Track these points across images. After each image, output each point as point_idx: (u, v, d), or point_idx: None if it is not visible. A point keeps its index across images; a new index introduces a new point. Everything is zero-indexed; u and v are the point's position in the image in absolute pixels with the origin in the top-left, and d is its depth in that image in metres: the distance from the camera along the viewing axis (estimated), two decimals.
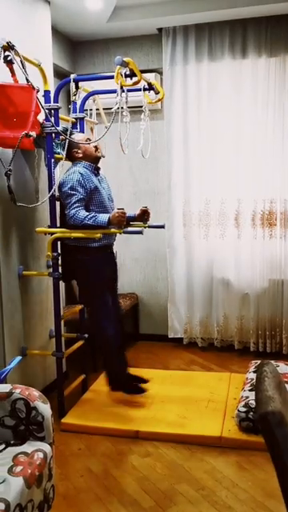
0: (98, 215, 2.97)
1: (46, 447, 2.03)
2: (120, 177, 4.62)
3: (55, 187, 3.07)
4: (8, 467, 1.85)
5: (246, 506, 2.32)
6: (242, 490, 2.44)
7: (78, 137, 3.18)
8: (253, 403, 2.86)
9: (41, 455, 1.97)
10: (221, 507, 2.32)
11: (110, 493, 2.45)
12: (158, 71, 4.45)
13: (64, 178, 3.07)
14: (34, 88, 2.65)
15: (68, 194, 3.00)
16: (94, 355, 4.02)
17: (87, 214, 2.97)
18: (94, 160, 3.18)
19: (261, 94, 4.17)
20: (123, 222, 2.96)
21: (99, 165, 3.25)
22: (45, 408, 2.08)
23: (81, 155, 3.15)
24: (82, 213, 2.97)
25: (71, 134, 3.23)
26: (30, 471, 1.86)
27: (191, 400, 3.34)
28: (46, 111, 2.86)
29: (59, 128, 3.04)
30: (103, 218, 2.95)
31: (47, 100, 3.05)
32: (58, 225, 3.17)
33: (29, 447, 2.00)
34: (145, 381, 3.37)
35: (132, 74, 2.98)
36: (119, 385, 3.31)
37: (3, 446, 2.02)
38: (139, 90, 3.35)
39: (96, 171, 3.21)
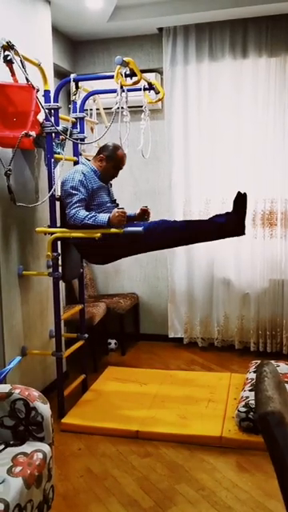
0: (97, 215, 2.97)
1: (46, 447, 2.03)
2: (120, 176, 4.54)
3: (55, 187, 3.06)
4: (7, 467, 1.85)
5: (246, 506, 2.32)
6: (242, 491, 2.43)
7: (119, 151, 3.13)
8: (253, 403, 2.86)
9: (40, 456, 1.96)
10: (221, 507, 2.31)
11: (109, 493, 2.45)
12: (159, 71, 4.45)
13: (67, 176, 3.07)
14: (33, 87, 2.65)
15: (69, 194, 3.00)
16: (94, 355, 4.02)
17: (87, 213, 2.97)
18: (104, 177, 3.18)
19: (261, 94, 4.17)
20: (123, 221, 2.95)
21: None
22: (44, 408, 2.08)
23: (100, 164, 3.15)
24: (82, 212, 2.97)
25: (71, 134, 3.23)
26: (29, 471, 1.86)
27: (191, 400, 3.34)
28: (46, 111, 2.86)
29: (59, 128, 3.04)
30: (103, 217, 2.95)
31: (47, 100, 3.04)
32: (58, 225, 3.17)
33: (28, 447, 2.00)
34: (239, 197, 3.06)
35: (132, 74, 2.98)
36: (234, 223, 3.04)
37: (2, 446, 2.01)
38: (139, 89, 3.35)
39: (100, 178, 3.18)
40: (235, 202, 3.05)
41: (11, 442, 2.04)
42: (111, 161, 3.14)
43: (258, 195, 4.25)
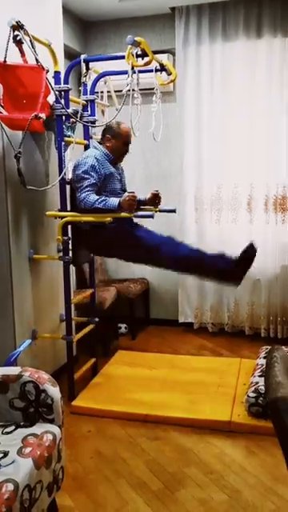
0: (108, 199, 2.94)
1: (56, 429, 2.04)
2: (131, 160, 4.51)
3: (65, 170, 3.04)
4: (17, 448, 1.87)
5: (255, 490, 2.32)
6: (250, 475, 2.44)
7: (122, 125, 3.14)
8: (262, 389, 2.85)
9: (50, 437, 1.98)
10: (229, 491, 2.32)
11: (118, 475, 2.47)
12: (171, 52, 4.37)
13: (79, 160, 3.05)
14: (43, 68, 2.61)
15: (81, 178, 2.98)
16: (104, 339, 4.04)
17: (97, 197, 2.95)
18: (116, 156, 3.17)
19: (275, 75, 4.09)
20: (134, 205, 2.92)
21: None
22: (54, 391, 2.09)
23: (108, 144, 3.14)
24: (93, 196, 2.95)
25: (82, 116, 3.20)
26: (39, 452, 1.87)
27: (201, 385, 3.34)
28: (56, 93, 2.83)
29: (69, 110, 3.00)
30: (113, 201, 2.93)
31: (57, 81, 3.01)
32: (69, 208, 3.15)
33: (38, 429, 2.02)
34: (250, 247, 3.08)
35: (144, 55, 2.92)
36: (237, 271, 3.06)
37: (13, 427, 2.03)
38: (151, 71, 3.30)
39: (113, 162, 3.18)
40: (245, 252, 3.02)
41: (21, 424, 2.06)
42: (118, 138, 3.13)
43: (270, 180, 4.19)
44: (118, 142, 3.13)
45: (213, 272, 3.13)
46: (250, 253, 3.03)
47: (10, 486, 1.66)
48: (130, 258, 3.29)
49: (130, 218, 3.07)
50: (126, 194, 2.93)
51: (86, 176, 2.98)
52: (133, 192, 2.94)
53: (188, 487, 2.36)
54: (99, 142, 3.22)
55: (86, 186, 2.96)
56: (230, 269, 3.04)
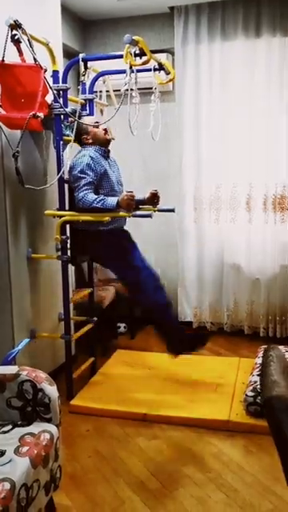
0: (106, 198, 2.94)
1: (53, 428, 2.05)
2: (130, 159, 4.57)
3: (64, 169, 3.04)
4: (14, 447, 1.87)
5: (253, 489, 2.32)
6: (248, 474, 2.44)
7: (85, 121, 3.16)
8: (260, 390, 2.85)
9: (47, 436, 1.98)
10: (227, 490, 2.32)
11: (116, 474, 2.47)
12: (170, 51, 4.37)
13: (74, 161, 3.05)
14: (41, 68, 2.61)
15: (77, 177, 2.99)
16: (103, 339, 4.04)
17: (96, 196, 2.95)
18: (103, 143, 3.16)
19: (275, 75, 4.08)
20: (132, 205, 2.93)
21: (109, 148, 3.21)
22: (51, 390, 2.09)
23: (90, 140, 3.15)
24: (91, 196, 2.95)
25: (80, 116, 3.20)
26: (36, 451, 1.87)
27: (199, 384, 3.34)
28: (55, 92, 2.83)
29: (68, 109, 3.00)
30: (112, 201, 2.92)
31: (56, 80, 3.00)
32: (67, 208, 3.15)
33: (35, 428, 2.02)
34: (204, 335, 3.33)
35: (142, 54, 2.92)
36: (182, 345, 3.18)
37: (10, 426, 2.03)
38: (150, 70, 3.30)
39: (106, 154, 3.18)
40: (196, 336, 3.26)
41: (19, 423, 2.06)
42: (89, 128, 3.13)
43: (269, 179, 4.19)
44: (92, 133, 3.13)
45: (165, 329, 3.25)
46: (198, 341, 3.29)
47: (7, 485, 1.66)
48: (111, 265, 3.32)
49: (120, 226, 3.17)
50: (125, 193, 2.92)
51: (82, 175, 2.98)
52: (131, 191, 2.94)
53: (186, 486, 2.36)
54: (82, 147, 3.19)
55: (84, 185, 2.96)
56: (183, 342, 3.25)
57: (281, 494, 2.27)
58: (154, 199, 3.29)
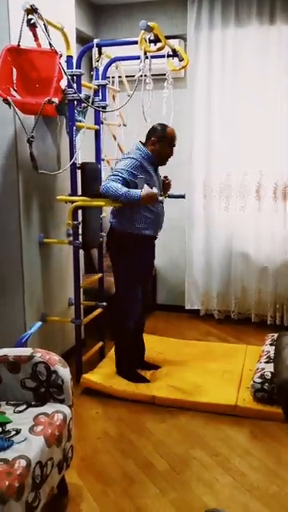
0: (131, 190, 2.88)
1: (66, 409, 2.10)
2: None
3: (76, 155, 3.05)
4: (29, 426, 1.92)
5: (259, 473, 2.37)
6: (255, 458, 2.49)
7: (168, 128, 3.10)
8: (268, 375, 2.89)
9: (60, 416, 2.03)
10: (234, 473, 2.37)
11: (126, 455, 2.53)
12: (183, 37, 4.34)
13: (127, 155, 3.04)
14: (56, 53, 2.61)
15: (118, 170, 2.95)
16: (112, 323, 4.07)
17: (122, 187, 2.89)
18: (161, 159, 3.13)
19: (287, 64, 4.04)
20: (152, 201, 2.92)
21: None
22: (64, 372, 2.14)
23: (153, 147, 3.07)
24: (119, 185, 2.89)
25: (93, 101, 3.20)
26: (50, 431, 1.92)
27: (207, 370, 3.38)
28: (69, 77, 2.83)
29: (81, 95, 3.00)
30: (136, 193, 2.86)
31: (70, 66, 3.00)
32: (79, 193, 3.17)
33: (49, 408, 2.07)
34: (157, 367, 3.38)
35: (156, 40, 2.91)
36: (124, 373, 3.24)
37: (24, 406, 2.08)
38: (163, 56, 3.29)
39: (155, 166, 3.15)
40: (147, 367, 3.35)
41: (33, 403, 2.11)
42: (164, 140, 3.07)
43: (279, 168, 4.18)
44: (162, 145, 3.07)
45: (121, 354, 3.30)
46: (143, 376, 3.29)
47: (23, 462, 1.71)
48: (120, 275, 3.25)
49: (157, 232, 3.21)
50: (148, 188, 2.87)
51: (122, 171, 2.94)
52: (166, 176, 3.04)
53: (194, 468, 2.42)
54: (142, 144, 3.11)
55: (118, 178, 2.92)
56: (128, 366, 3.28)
57: (287, 477, 2.31)
58: (164, 185, 3.30)
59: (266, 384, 2.87)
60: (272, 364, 2.94)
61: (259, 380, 2.91)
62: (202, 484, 2.30)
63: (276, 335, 3.25)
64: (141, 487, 2.27)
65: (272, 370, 2.85)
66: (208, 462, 2.47)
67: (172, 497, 2.20)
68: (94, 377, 3.21)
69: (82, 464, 2.45)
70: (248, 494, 2.22)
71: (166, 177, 3.29)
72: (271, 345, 3.38)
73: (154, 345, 3.84)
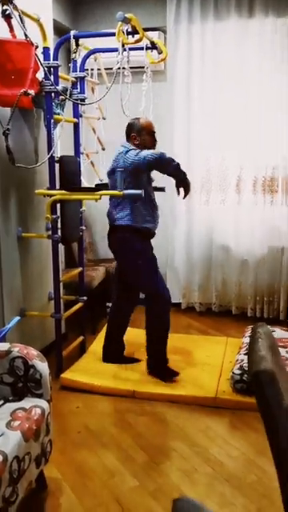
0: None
1: (44, 403, 2.08)
2: (121, 139, 4.53)
3: (54, 148, 3.02)
4: (6, 421, 1.90)
5: (237, 462, 2.40)
6: (233, 448, 2.52)
7: (141, 119, 3.14)
8: (247, 365, 2.92)
9: (38, 411, 2.02)
10: (213, 463, 2.39)
11: (106, 448, 2.53)
12: (162, 30, 4.32)
13: (124, 152, 3.04)
14: (32, 44, 2.57)
15: (137, 158, 2.98)
16: (92, 318, 4.07)
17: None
18: (150, 148, 3.14)
19: (267, 57, 4.07)
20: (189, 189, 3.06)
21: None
22: (43, 366, 2.13)
23: (136, 142, 3.12)
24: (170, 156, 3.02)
25: (71, 94, 3.17)
26: (27, 425, 1.91)
27: (188, 362, 3.40)
28: (45, 69, 2.80)
29: (59, 87, 2.97)
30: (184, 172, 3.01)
31: (46, 57, 2.97)
32: (58, 187, 3.15)
33: (27, 403, 2.05)
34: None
35: (134, 32, 2.89)
36: (160, 372, 3.19)
37: (2, 401, 2.07)
38: (141, 48, 3.27)
39: None
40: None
41: (10, 398, 2.09)
42: (143, 132, 3.12)
43: (259, 161, 4.21)
44: (143, 137, 3.12)
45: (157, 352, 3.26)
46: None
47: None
48: (142, 273, 3.24)
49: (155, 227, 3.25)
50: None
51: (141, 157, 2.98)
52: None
53: (173, 459, 2.43)
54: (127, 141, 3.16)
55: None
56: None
57: (265, 466, 2.34)
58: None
59: (245, 375, 2.90)
60: None
61: (238, 371, 2.94)
62: (181, 474, 2.31)
63: None
64: (120, 479, 2.28)
65: None
66: (187, 452, 2.49)
67: (152, 488, 2.21)
68: (73, 375, 3.20)
69: (62, 458, 2.44)
70: (226, 483, 2.25)
71: None
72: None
73: (134, 339, 3.84)
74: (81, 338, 3.63)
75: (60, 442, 2.55)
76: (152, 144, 3.16)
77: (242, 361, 3.02)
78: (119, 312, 3.41)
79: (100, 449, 2.53)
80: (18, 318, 2.59)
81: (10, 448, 1.76)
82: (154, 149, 3.16)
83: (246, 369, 2.91)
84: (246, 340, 3.41)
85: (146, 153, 2.97)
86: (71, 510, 2.09)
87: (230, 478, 2.28)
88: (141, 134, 3.12)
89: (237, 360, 3.13)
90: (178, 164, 2.98)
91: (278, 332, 3.42)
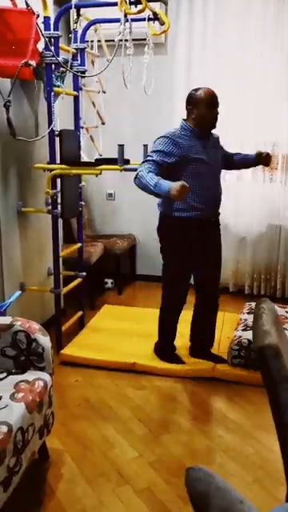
0: (161, 183, 2.51)
1: (46, 376, 2.11)
2: (121, 114, 4.49)
3: (55, 122, 2.98)
4: (10, 393, 1.93)
5: (235, 435, 2.45)
6: (231, 421, 2.57)
7: (200, 89, 2.79)
8: (245, 342, 2.95)
9: (41, 383, 2.04)
10: (211, 436, 2.45)
11: (106, 421, 2.57)
12: (164, 1, 4.21)
13: (164, 133, 2.81)
14: (33, 13, 2.51)
15: (149, 154, 2.72)
16: (91, 294, 4.09)
17: (153, 177, 2.55)
18: (206, 126, 2.80)
19: (270, 28, 3.99)
20: (183, 198, 2.55)
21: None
22: (45, 340, 2.14)
23: (193, 116, 2.78)
24: (151, 175, 2.56)
25: (71, 66, 3.11)
26: (31, 397, 1.94)
27: (186, 337, 3.43)
28: (46, 39, 2.73)
29: (60, 58, 2.91)
30: (165, 187, 2.48)
31: (47, 27, 2.89)
32: (58, 161, 3.11)
33: (30, 376, 2.08)
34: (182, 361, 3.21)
35: (137, 2, 2.82)
36: (162, 354, 3.18)
37: (5, 374, 2.09)
38: (143, 19, 3.19)
39: (204, 136, 2.82)
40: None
41: (13, 371, 2.12)
42: (200, 104, 2.75)
43: (259, 138, 4.17)
44: (200, 110, 2.75)
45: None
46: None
47: (4, 428, 1.73)
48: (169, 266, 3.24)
49: (211, 216, 3.05)
50: (180, 183, 2.45)
51: (154, 152, 2.70)
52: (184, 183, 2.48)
53: (172, 432, 2.48)
54: (184, 120, 2.86)
55: (149, 161, 2.67)
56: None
57: (262, 439, 2.40)
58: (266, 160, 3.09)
59: (243, 351, 2.94)
60: (249, 332, 3.01)
61: (236, 347, 2.98)
62: (179, 446, 2.36)
63: (254, 303, 3.31)
64: (120, 450, 2.33)
65: (249, 337, 2.92)
66: (186, 425, 2.54)
67: (151, 459, 2.27)
68: (73, 350, 3.23)
69: (63, 429, 2.49)
70: (224, 455, 2.30)
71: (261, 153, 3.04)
72: (249, 313, 3.45)
73: (133, 315, 3.88)
74: (79, 313, 3.65)
75: (61, 414, 2.59)
76: (210, 120, 2.78)
77: (240, 337, 3.05)
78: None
79: (100, 421, 2.57)
80: (19, 292, 2.61)
81: (15, 419, 1.79)
82: (212, 126, 2.81)
83: (244, 345, 2.95)
84: (244, 316, 3.45)
85: (142, 166, 2.64)
86: (73, 479, 2.13)
87: (227, 449, 2.34)
88: (197, 106, 2.75)
89: (234, 336, 3.16)
90: (156, 183, 2.51)
91: (276, 309, 3.44)
